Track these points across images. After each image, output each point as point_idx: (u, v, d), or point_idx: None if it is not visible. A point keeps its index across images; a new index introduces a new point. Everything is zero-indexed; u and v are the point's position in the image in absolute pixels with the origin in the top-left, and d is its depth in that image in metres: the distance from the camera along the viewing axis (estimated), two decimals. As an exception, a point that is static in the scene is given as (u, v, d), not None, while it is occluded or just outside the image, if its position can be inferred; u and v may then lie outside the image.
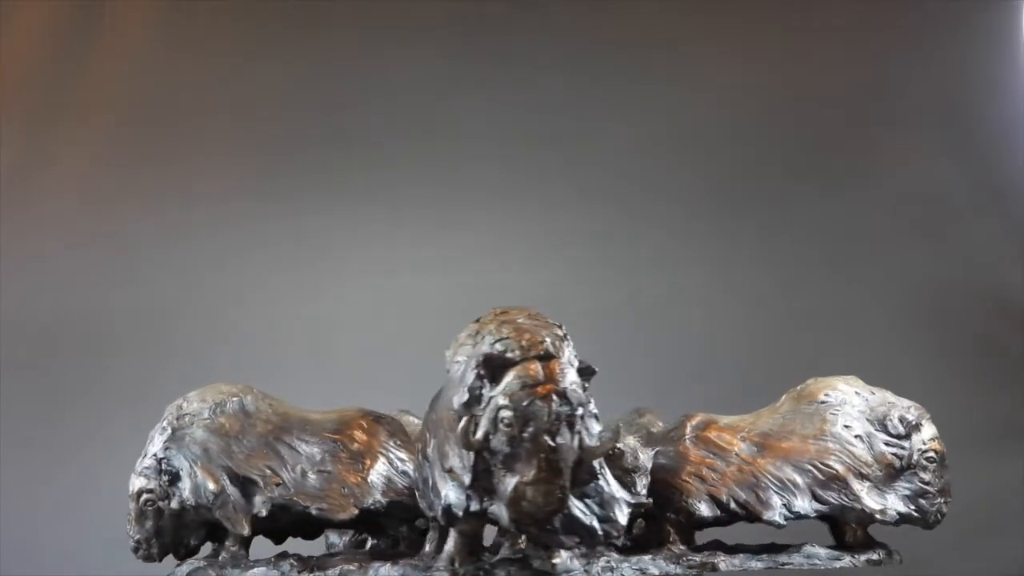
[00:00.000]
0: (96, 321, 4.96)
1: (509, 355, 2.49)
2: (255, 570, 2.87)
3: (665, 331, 4.98)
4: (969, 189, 5.08)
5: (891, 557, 3.20)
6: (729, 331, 4.93)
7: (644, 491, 2.98)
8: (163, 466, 2.93)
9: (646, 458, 3.02)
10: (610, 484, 2.64)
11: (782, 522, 3.13)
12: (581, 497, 2.58)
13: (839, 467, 3.16)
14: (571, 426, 2.43)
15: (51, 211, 5.12)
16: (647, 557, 2.99)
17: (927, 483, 3.20)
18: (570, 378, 2.47)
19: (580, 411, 2.45)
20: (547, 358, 2.47)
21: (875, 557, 3.19)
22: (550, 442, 2.40)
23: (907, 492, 3.20)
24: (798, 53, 5.24)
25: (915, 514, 3.20)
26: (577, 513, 2.57)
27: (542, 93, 5.24)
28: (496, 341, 2.53)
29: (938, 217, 5.06)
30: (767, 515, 3.13)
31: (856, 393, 3.27)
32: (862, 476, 3.17)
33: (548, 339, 2.51)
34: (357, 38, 5.28)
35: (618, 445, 2.93)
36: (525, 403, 2.42)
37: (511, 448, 2.43)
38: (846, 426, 3.21)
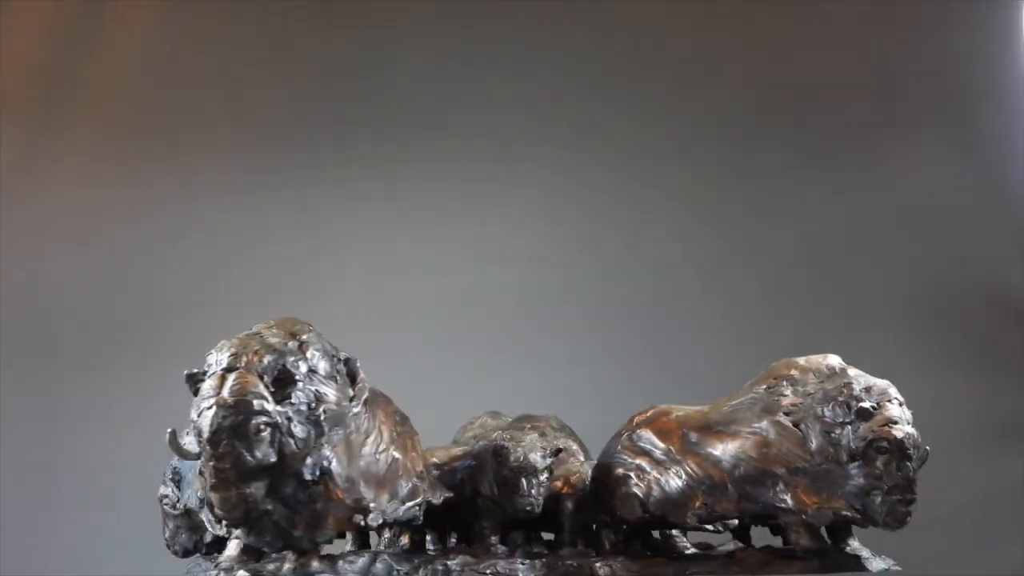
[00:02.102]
0: (96, 321, 4.96)
1: (206, 369, 2.58)
2: (223, 564, 2.94)
3: (664, 330, 4.98)
4: (969, 189, 5.08)
5: (843, 565, 2.84)
6: (728, 330, 4.93)
7: (537, 490, 2.92)
8: (174, 475, 3.11)
9: (537, 457, 2.94)
10: (332, 490, 2.59)
11: (692, 523, 2.91)
12: (290, 503, 2.56)
13: (772, 461, 2.81)
14: (241, 435, 2.44)
15: (51, 211, 5.12)
16: (505, 562, 2.89)
17: (877, 477, 2.72)
18: (247, 389, 2.47)
19: (259, 420, 2.45)
20: (230, 370, 2.51)
21: (810, 566, 2.82)
22: (211, 450, 2.44)
23: (855, 488, 2.75)
24: (799, 53, 5.24)
25: (856, 515, 2.77)
26: (284, 519, 2.57)
27: (543, 93, 5.24)
28: (207, 356, 2.62)
29: (938, 217, 5.06)
30: (674, 516, 2.92)
31: (814, 375, 2.88)
32: (797, 470, 2.78)
33: (238, 351, 2.55)
34: (357, 39, 5.28)
35: (506, 444, 2.95)
36: (198, 415, 2.49)
37: (203, 458, 2.52)
38: (786, 413, 2.83)
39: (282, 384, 2.54)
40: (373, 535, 3.16)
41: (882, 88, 5.17)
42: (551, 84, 5.24)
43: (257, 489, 2.49)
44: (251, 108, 5.25)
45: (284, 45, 5.29)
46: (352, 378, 2.73)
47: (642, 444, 3.02)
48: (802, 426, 2.81)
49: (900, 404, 2.78)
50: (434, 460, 3.09)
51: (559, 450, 3.02)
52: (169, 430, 2.59)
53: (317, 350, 2.66)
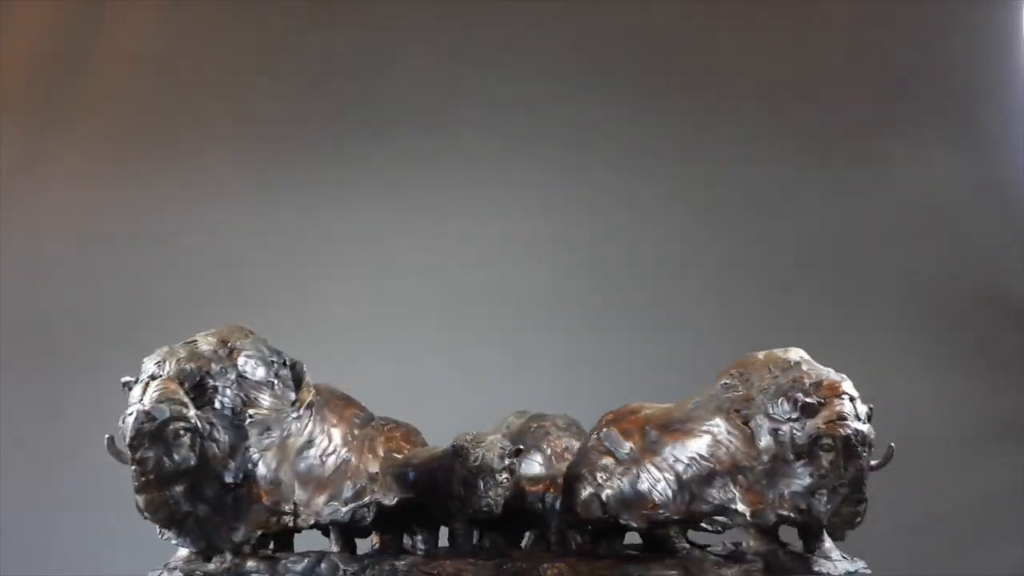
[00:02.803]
0: (96, 321, 4.96)
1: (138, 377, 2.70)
2: (170, 564, 2.95)
3: (664, 330, 4.98)
4: (969, 189, 5.08)
5: (790, 567, 2.73)
6: (728, 330, 4.92)
7: (495, 491, 2.91)
8: None
9: (494, 457, 2.92)
10: (255, 492, 2.67)
11: (642, 525, 2.85)
12: (213, 504, 2.67)
13: (721, 460, 2.73)
14: (160, 440, 2.55)
15: (51, 211, 5.12)
16: (452, 562, 2.90)
17: (822, 476, 2.61)
18: (165, 395, 2.57)
19: (176, 425, 2.54)
20: (154, 378, 2.64)
21: (754, 568, 2.73)
22: (131, 455, 2.57)
23: (800, 488, 2.65)
24: (798, 53, 5.23)
25: (799, 516, 2.66)
26: (208, 520, 2.67)
27: (543, 93, 5.24)
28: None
29: (938, 217, 5.06)
30: (626, 517, 2.86)
31: (770, 369, 2.78)
32: (744, 469, 2.70)
33: (162, 359, 2.67)
34: (357, 39, 5.28)
35: (465, 445, 2.94)
36: (123, 421, 2.61)
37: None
38: (736, 410, 2.74)
39: (203, 390, 2.62)
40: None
41: (882, 88, 5.17)
42: (551, 84, 5.24)
43: (178, 491, 2.60)
44: (251, 108, 5.24)
45: (284, 45, 5.29)
46: (298, 383, 2.80)
47: (608, 443, 2.97)
48: (752, 423, 2.72)
49: (851, 399, 2.67)
50: (415, 461, 3.11)
51: (519, 450, 3.01)
52: (107, 436, 2.66)
53: (250, 356, 2.73)
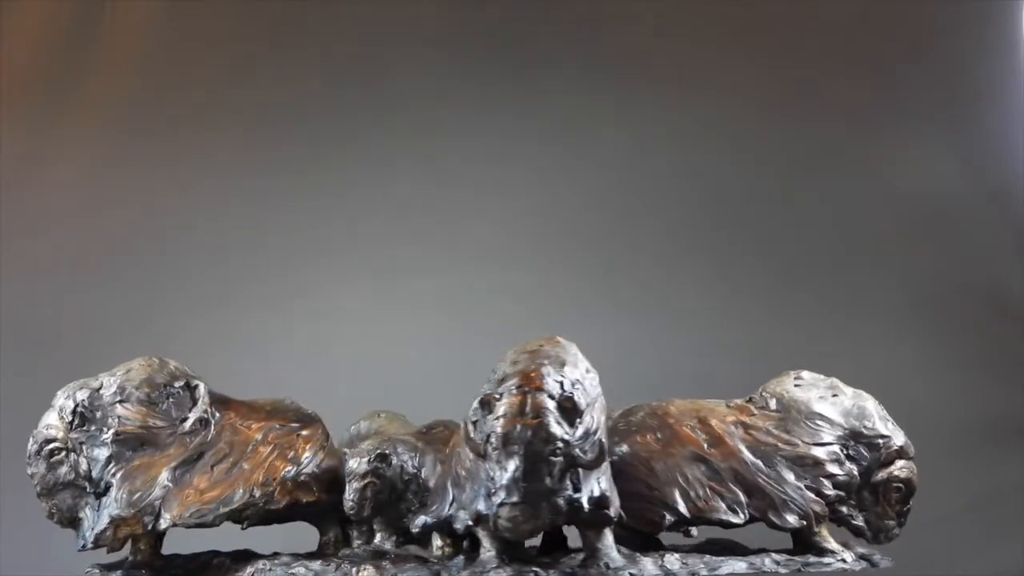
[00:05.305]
0: (96, 321, 4.96)
1: None
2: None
3: (663, 332, 4.98)
4: (969, 189, 5.08)
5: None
6: (727, 332, 4.93)
7: (354, 495, 3.01)
8: None
9: (355, 464, 3.03)
10: (116, 499, 2.98)
11: (416, 531, 2.83)
12: (88, 509, 3.03)
13: (460, 463, 2.60)
14: (41, 459, 3.04)
15: (51, 210, 5.13)
16: (303, 563, 2.97)
17: (489, 479, 2.37)
18: (44, 423, 3.06)
19: (50, 446, 3.02)
20: (52, 407, 3.09)
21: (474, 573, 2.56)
22: (27, 471, 3.06)
23: (484, 492, 2.45)
24: (797, 53, 5.24)
25: (470, 522, 2.52)
26: (86, 525, 3.04)
27: (543, 95, 5.24)
28: None
29: (938, 217, 5.06)
30: (413, 524, 2.85)
31: (510, 362, 2.54)
32: (468, 472, 2.56)
33: (57, 392, 3.07)
34: (358, 40, 5.29)
35: (347, 450, 3.11)
36: None
37: None
38: (483, 402, 2.49)
39: (78, 415, 3.01)
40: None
41: (882, 87, 5.17)
42: (552, 87, 5.24)
43: (62, 501, 3.03)
44: (251, 109, 5.25)
45: (285, 44, 5.30)
46: (194, 402, 3.06)
47: (454, 442, 2.86)
48: (476, 422, 2.49)
49: (528, 392, 2.38)
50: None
51: (384, 455, 3.05)
52: None
53: (134, 383, 3.04)
